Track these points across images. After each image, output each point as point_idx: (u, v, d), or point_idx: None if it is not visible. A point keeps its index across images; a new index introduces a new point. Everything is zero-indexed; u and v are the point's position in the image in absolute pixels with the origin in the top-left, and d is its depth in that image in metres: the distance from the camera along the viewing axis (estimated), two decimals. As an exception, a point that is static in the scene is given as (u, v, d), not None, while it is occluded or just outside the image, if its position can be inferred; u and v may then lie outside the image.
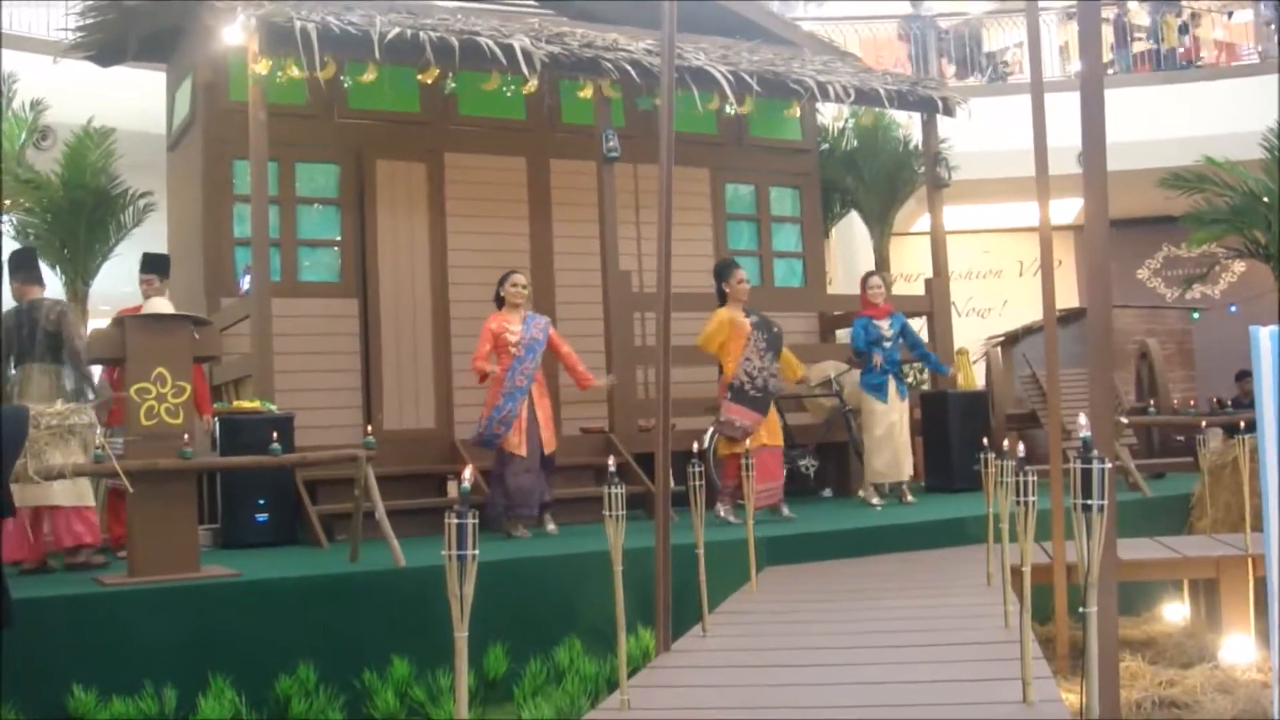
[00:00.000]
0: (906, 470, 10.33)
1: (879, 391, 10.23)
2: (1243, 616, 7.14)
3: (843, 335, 13.53)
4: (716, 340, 9.16)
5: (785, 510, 9.12)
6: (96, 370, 8.67)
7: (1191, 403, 12.11)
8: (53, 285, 11.81)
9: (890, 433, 10.19)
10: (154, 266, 8.88)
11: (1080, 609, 3.18)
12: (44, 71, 12.05)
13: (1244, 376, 15.25)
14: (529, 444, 8.60)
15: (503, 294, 8.81)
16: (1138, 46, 19.63)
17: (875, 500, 10.13)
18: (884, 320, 10.35)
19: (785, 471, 9.48)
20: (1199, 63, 19.41)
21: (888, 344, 10.28)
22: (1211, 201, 15.32)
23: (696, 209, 12.39)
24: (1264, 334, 3.72)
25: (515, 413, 8.56)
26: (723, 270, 9.41)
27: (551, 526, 8.79)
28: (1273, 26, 19.09)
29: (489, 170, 11.47)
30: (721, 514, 8.89)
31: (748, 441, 8.67)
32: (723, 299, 9.29)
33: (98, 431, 7.22)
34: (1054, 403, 6.69)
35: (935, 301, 12.24)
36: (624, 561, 4.42)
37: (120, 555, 7.85)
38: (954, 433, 11.26)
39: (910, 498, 10.34)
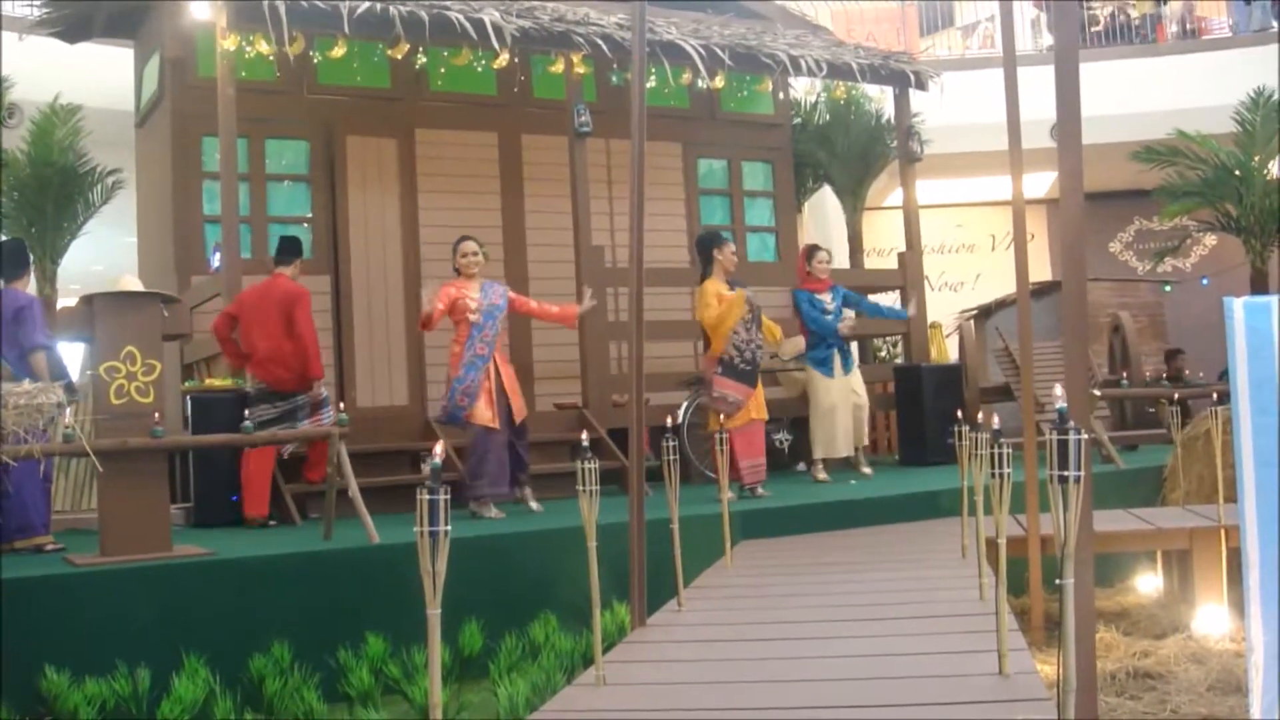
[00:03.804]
0: (844, 447, 10.28)
1: (824, 366, 10.24)
2: (1216, 587, 7.17)
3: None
4: (729, 317, 8.85)
5: (760, 490, 8.97)
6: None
7: (1163, 375, 12.17)
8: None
9: (834, 409, 10.19)
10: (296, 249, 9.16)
11: (1055, 581, 3.18)
12: (9, 48, 11.93)
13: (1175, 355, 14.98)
14: (500, 415, 8.45)
15: (456, 264, 8.67)
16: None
17: (822, 476, 10.10)
18: (826, 294, 10.33)
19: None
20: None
21: (830, 317, 10.27)
22: (1183, 175, 15.38)
23: (669, 184, 12.38)
24: (1237, 305, 3.71)
25: (478, 383, 8.36)
26: (713, 241, 9.21)
27: (535, 505, 8.58)
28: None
29: (460, 146, 11.43)
30: (733, 494, 8.59)
31: (722, 418, 8.60)
32: (706, 272, 9.12)
33: (66, 412, 7.17)
34: (1027, 376, 6.70)
35: (908, 276, 12.24)
36: (598, 537, 4.40)
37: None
38: (927, 406, 11.30)
39: (866, 469, 10.41)
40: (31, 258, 8.27)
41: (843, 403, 10.24)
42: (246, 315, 8.81)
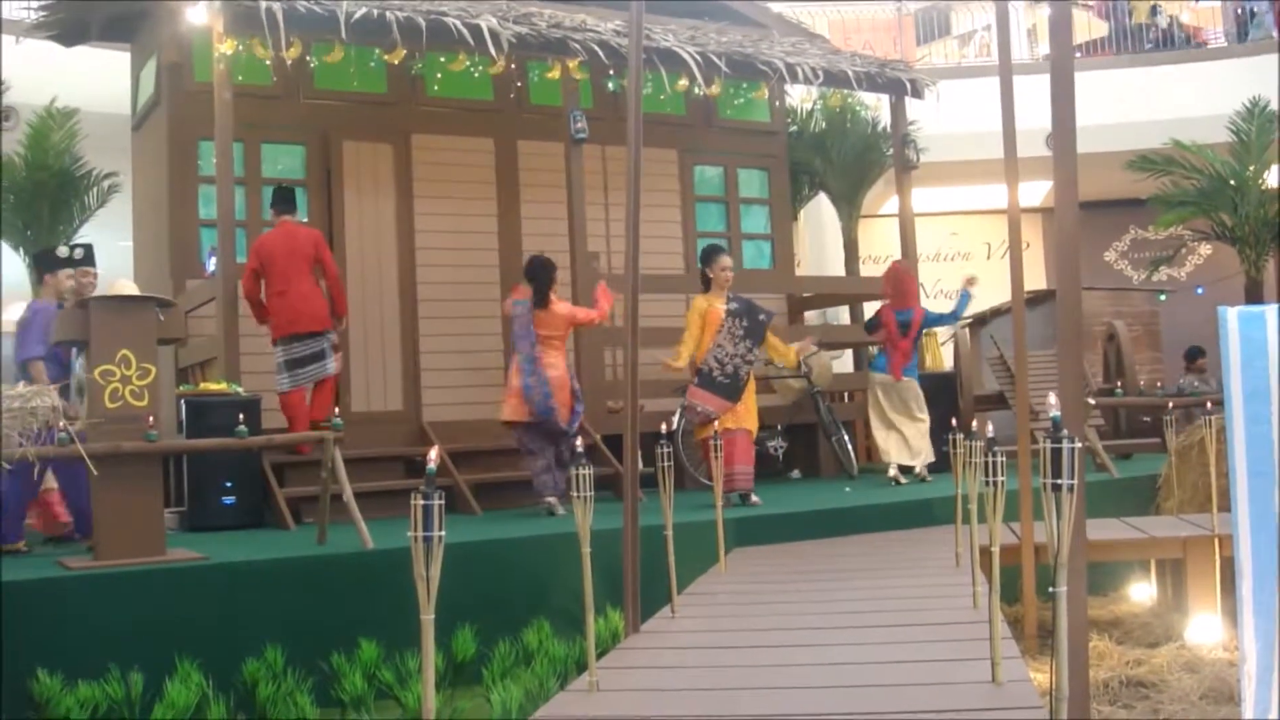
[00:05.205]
0: None
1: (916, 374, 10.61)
2: (1209, 596, 7.18)
3: (812, 317, 13.57)
4: (694, 337, 9.09)
5: (753, 497, 9.01)
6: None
7: (1158, 384, 12.18)
8: (15, 266, 11.74)
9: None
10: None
11: (1049, 589, 3.18)
12: (6, 51, 11.92)
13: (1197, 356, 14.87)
14: None
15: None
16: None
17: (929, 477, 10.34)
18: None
19: (754, 455, 9.39)
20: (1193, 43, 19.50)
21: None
22: (1178, 184, 15.43)
23: (665, 190, 12.38)
24: (1231, 314, 3.72)
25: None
26: (706, 256, 9.34)
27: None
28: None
29: (456, 151, 11.41)
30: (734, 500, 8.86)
31: (715, 425, 8.63)
32: (707, 285, 9.24)
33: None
34: (1022, 384, 6.70)
35: (904, 283, 12.23)
36: (592, 543, 4.40)
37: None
38: (922, 414, 11.28)
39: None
40: (69, 261, 8.35)
41: None
42: (274, 262, 9.20)
